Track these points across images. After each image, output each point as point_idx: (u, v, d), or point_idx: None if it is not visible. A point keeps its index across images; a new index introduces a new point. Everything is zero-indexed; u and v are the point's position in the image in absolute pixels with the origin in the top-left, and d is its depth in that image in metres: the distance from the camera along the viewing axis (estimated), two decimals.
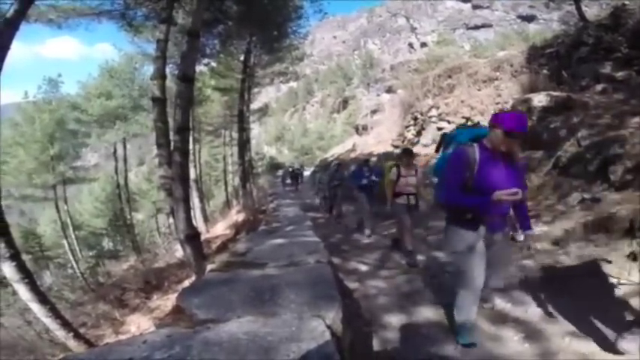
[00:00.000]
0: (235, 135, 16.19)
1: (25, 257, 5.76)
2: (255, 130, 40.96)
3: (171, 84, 7.99)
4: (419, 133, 11.39)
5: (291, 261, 2.64)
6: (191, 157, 9.38)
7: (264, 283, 2.10)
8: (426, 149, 10.08)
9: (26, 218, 23.92)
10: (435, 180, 2.45)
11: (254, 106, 18.65)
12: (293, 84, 64.93)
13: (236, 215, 12.29)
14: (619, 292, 2.39)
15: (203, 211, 14.76)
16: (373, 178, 5.59)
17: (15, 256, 4.02)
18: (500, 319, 2.35)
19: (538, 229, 3.74)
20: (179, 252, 7.69)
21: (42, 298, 4.38)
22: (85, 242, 21.52)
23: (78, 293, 10.19)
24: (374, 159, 10.45)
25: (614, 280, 2.49)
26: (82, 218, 22.96)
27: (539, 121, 5.89)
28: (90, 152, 39.24)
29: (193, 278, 4.85)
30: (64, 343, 4.55)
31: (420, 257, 3.99)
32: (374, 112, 22.01)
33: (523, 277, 2.95)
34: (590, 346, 1.94)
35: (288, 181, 18.48)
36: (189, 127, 6.31)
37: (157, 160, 6.45)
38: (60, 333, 4.45)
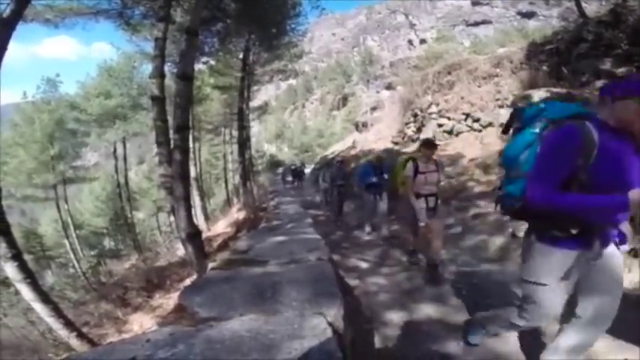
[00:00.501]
0: (235, 133, 16.16)
1: (26, 257, 5.76)
2: (255, 128, 40.87)
3: (170, 82, 7.97)
4: (419, 130, 11.36)
5: (292, 258, 2.64)
6: (191, 156, 9.36)
7: (265, 280, 2.10)
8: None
9: (27, 218, 24.04)
10: (513, 172, 1.50)
11: (253, 104, 18.59)
12: (292, 81, 64.98)
13: (237, 213, 12.32)
14: None
15: (204, 209, 14.80)
16: (384, 175, 5.06)
17: (17, 256, 4.02)
18: None
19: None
20: (180, 250, 7.70)
21: (44, 297, 4.39)
22: (86, 241, 21.59)
23: (80, 292, 10.23)
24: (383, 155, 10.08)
25: None
26: (82, 218, 22.96)
27: None
28: (90, 151, 39.25)
29: (195, 276, 4.85)
30: (67, 343, 4.56)
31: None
32: (373, 109, 22.00)
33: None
34: None
35: (289, 178, 18.45)
36: (189, 126, 6.28)
37: (157, 159, 6.44)
38: (63, 332, 4.46)
